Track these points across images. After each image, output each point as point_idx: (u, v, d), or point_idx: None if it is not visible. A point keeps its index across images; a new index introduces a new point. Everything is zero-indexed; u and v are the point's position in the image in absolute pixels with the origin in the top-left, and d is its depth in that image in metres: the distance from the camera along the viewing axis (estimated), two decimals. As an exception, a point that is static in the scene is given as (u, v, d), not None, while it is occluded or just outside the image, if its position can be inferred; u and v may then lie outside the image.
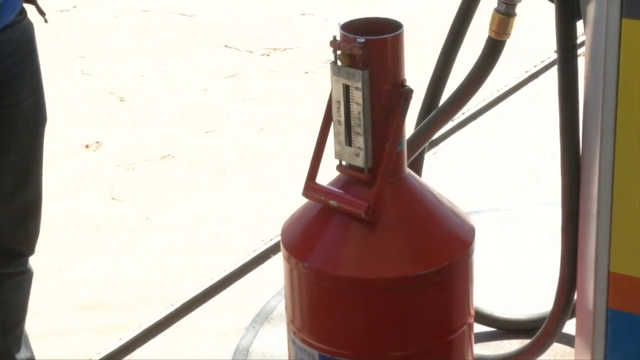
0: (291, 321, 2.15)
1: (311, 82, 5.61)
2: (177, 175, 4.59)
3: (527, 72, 5.09)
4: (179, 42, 6.26)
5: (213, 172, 4.60)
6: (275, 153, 4.77)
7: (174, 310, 3.48)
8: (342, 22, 1.99)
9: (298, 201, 3.79)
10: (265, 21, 6.54)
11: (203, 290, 3.58)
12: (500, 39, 2.31)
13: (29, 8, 2.41)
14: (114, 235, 4.00)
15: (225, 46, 6.18)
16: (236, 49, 6.14)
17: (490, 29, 2.31)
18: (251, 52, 6.09)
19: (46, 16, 2.41)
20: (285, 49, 6.12)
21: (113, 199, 4.36)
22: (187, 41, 6.27)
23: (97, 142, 4.86)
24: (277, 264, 3.64)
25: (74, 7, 6.50)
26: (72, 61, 5.58)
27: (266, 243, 3.82)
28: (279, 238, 3.73)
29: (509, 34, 2.31)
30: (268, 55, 6.05)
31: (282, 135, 4.96)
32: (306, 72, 5.77)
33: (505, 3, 2.27)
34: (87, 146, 4.82)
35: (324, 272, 2.03)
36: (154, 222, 4.16)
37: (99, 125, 5.01)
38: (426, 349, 2.08)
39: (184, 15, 6.69)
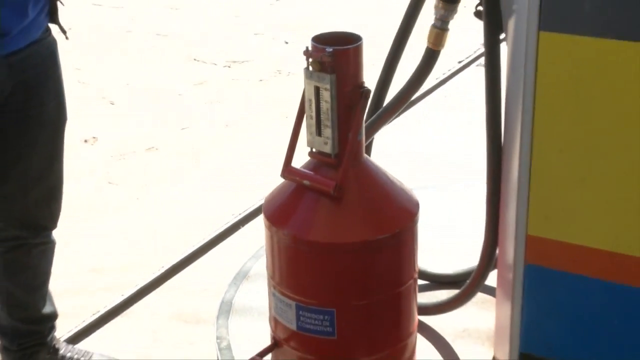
0: (272, 277, 2.14)
1: (265, 88, 5.59)
2: (161, 163, 4.56)
3: (437, 78, 5.09)
4: (156, 56, 6.21)
5: (190, 160, 4.57)
6: (239, 144, 4.75)
7: (164, 271, 3.45)
8: (313, 35, 1.97)
9: (258, 180, 3.88)
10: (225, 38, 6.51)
11: (187, 255, 3.55)
12: (436, 49, 2.32)
13: (52, 27, 2.36)
14: (111, 212, 3.97)
15: (194, 59, 6.14)
16: (203, 61, 6.10)
17: (428, 41, 2.32)
18: (215, 64, 6.05)
19: (67, 34, 2.38)
20: (242, 62, 6.09)
21: (109, 183, 4.31)
22: (163, 55, 6.22)
23: (94, 137, 4.83)
24: (248, 233, 3.66)
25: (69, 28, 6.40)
26: (70, 72, 5.52)
27: (236, 216, 3.79)
28: (247, 211, 3.78)
29: (443, 45, 2.31)
30: (229, 67, 6.01)
31: (244, 130, 4.94)
32: (260, 80, 5.74)
33: (441, 20, 2.27)
34: (85, 140, 4.79)
35: (299, 238, 2.03)
36: (143, 201, 4.13)
37: (95, 123, 4.97)
38: (381, 298, 2.09)
39: (160, 34, 6.63)
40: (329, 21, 6.72)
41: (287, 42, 6.42)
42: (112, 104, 5.32)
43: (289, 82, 5.59)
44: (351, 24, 6.49)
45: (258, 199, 3.91)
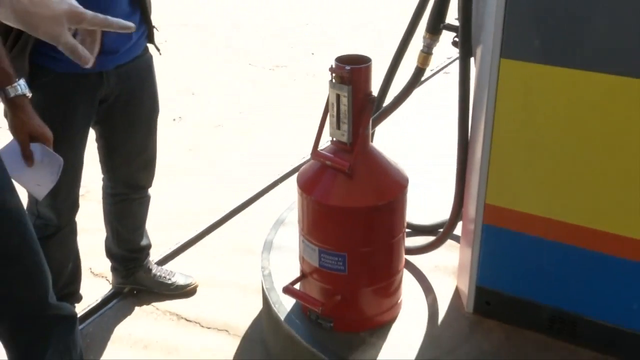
0: (302, 229, 2.04)
1: (297, 85, 5.47)
2: (226, 136, 4.45)
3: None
4: (224, 62, 6.08)
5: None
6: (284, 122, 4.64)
7: (224, 215, 3.38)
8: (336, 56, 1.86)
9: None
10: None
11: (240, 204, 3.48)
12: (423, 67, 2.20)
13: (150, 46, 2.31)
14: (186, 173, 3.88)
15: (249, 64, 6.01)
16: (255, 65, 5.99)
17: (417, 62, 2.19)
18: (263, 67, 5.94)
19: (160, 51, 2.29)
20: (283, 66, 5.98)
21: (189, 150, 4.23)
22: (229, 62, 6.08)
23: (180, 117, 4.73)
24: (281, 193, 3.58)
25: (165, 40, 6.30)
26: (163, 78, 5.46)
27: (276, 176, 3.72)
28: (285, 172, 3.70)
29: (428, 65, 2.19)
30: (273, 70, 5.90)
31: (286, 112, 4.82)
32: (294, 80, 5.62)
33: (427, 47, 2.16)
34: (174, 120, 4.69)
35: (322, 202, 1.93)
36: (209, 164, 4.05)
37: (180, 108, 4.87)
38: (380, 246, 2.00)
39: (227, 46, 6.49)
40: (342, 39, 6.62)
41: (313, 54, 6.29)
42: (193, 94, 5.20)
43: (312, 81, 5.50)
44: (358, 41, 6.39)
45: (290, 164, 3.86)
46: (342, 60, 1.85)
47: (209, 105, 4.99)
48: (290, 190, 3.60)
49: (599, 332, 1.95)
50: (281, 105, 5.00)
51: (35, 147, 1.76)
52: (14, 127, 1.74)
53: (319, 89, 5.30)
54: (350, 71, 1.80)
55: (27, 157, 1.74)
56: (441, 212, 2.54)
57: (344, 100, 1.84)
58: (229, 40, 6.68)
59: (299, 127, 4.48)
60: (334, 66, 1.84)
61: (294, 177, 3.85)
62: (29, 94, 1.76)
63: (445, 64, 5.47)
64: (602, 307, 1.93)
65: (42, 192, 1.84)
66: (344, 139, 1.90)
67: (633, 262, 1.83)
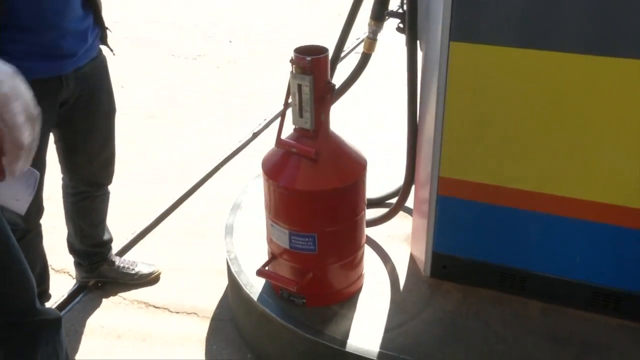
0: (269, 213, 2.01)
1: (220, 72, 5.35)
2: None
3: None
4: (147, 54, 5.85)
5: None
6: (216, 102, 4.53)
7: (177, 200, 3.30)
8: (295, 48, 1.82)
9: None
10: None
11: (193, 186, 3.41)
12: (368, 53, 2.17)
13: (103, 47, 2.20)
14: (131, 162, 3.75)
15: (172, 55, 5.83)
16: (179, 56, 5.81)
17: (364, 48, 2.17)
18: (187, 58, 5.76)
19: (113, 52, 2.18)
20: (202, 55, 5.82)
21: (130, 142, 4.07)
22: (152, 54, 5.86)
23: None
24: (223, 177, 3.51)
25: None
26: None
27: (221, 158, 3.65)
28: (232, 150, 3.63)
29: (374, 51, 2.16)
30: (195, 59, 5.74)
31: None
32: (217, 67, 5.48)
33: (372, 33, 2.13)
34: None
35: (290, 187, 1.91)
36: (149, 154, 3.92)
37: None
38: (345, 225, 2.00)
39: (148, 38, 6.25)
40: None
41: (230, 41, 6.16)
42: (122, 87, 4.98)
43: (234, 68, 5.39)
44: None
45: (228, 149, 3.78)
46: (301, 51, 1.81)
47: (140, 97, 4.81)
48: (232, 174, 3.56)
49: (546, 284, 2.03)
50: (208, 93, 4.88)
51: None
52: None
53: (240, 74, 5.22)
54: (311, 62, 1.77)
55: None
56: (385, 185, 2.57)
57: (306, 90, 1.81)
58: (147, 33, 6.43)
59: (230, 112, 4.40)
60: (294, 57, 1.80)
61: (233, 161, 3.86)
62: None
63: (355, 44, 5.46)
64: (547, 262, 2.01)
65: (22, 207, 1.72)
66: (307, 126, 1.87)
67: (573, 220, 1.91)
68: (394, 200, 2.36)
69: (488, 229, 2.03)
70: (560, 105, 1.76)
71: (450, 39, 1.78)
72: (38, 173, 1.73)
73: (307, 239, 1.95)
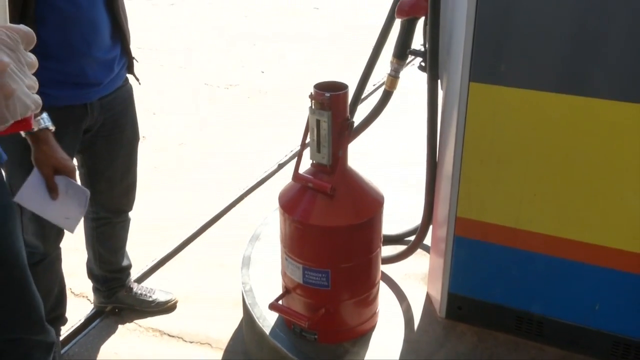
0: (284, 246, 1.97)
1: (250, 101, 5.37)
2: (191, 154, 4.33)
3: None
4: (180, 83, 5.92)
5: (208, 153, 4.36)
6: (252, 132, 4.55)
7: (198, 229, 3.27)
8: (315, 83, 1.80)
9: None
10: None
11: (213, 217, 3.39)
12: (390, 90, 2.15)
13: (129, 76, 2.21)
14: (159, 189, 3.74)
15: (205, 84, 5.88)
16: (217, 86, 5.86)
17: (385, 85, 2.15)
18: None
19: (139, 81, 2.19)
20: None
21: (155, 167, 4.08)
22: (183, 82, 5.93)
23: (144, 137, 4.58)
24: (247, 207, 3.49)
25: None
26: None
27: (243, 189, 3.63)
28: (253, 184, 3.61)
29: (395, 88, 2.14)
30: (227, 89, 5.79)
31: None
32: (248, 97, 5.51)
33: (394, 71, 2.11)
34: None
35: (305, 222, 1.87)
36: (173, 181, 3.92)
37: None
38: (360, 262, 1.94)
39: (181, 67, 6.33)
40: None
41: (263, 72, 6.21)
42: (154, 114, 5.04)
43: (265, 99, 5.41)
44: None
45: (253, 178, 3.77)
46: (320, 87, 1.79)
47: (171, 124, 4.85)
48: (255, 204, 3.53)
49: (564, 331, 1.95)
50: (238, 122, 4.89)
51: (59, 180, 1.66)
52: (38, 161, 1.64)
53: (270, 105, 5.23)
54: (330, 98, 1.75)
55: (52, 190, 1.65)
56: (404, 222, 2.52)
57: (324, 125, 1.79)
58: (184, 61, 6.52)
59: (258, 142, 4.40)
60: (313, 93, 1.78)
61: (257, 191, 3.84)
62: (52, 128, 1.66)
63: (381, 82, 5.46)
64: (566, 308, 1.93)
65: (72, 225, 1.74)
66: (324, 161, 1.84)
67: (593, 266, 1.83)
68: (411, 238, 2.31)
69: (505, 271, 1.97)
70: (582, 149, 1.71)
71: (470, 80, 1.75)
72: (88, 191, 1.74)
73: (320, 275, 1.90)
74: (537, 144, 1.76)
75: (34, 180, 1.65)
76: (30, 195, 1.62)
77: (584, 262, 1.84)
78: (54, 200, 1.67)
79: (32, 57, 0.76)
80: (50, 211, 1.68)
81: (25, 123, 0.77)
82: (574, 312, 1.92)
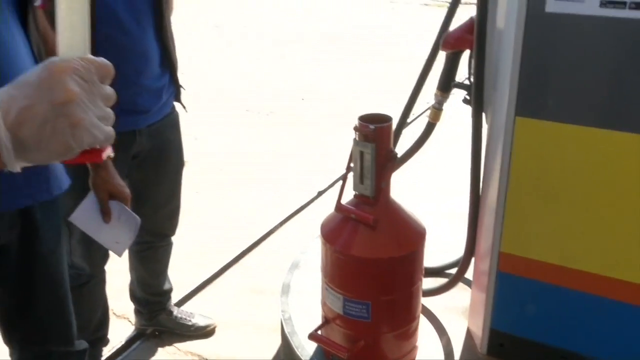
0: (325, 276, 1.96)
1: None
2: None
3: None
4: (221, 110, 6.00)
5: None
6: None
7: (238, 254, 3.29)
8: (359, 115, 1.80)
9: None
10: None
11: (253, 242, 3.40)
12: (434, 122, 2.14)
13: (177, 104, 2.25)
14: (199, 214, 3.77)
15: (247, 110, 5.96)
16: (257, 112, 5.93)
17: (429, 117, 2.14)
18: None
19: (186, 109, 2.23)
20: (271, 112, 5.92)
21: (196, 192, 4.12)
22: (225, 110, 6.01)
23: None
24: (287, 234, 3.49)
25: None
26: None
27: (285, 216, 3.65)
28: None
29: (439, 120, 2.13)
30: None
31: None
32: (292, 125, 5.56)
33: (438, 103, 2.10)
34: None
35: (347, 253, 1.85)
36: (214, 206, 3.94)
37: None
38: (401, 294, 1.92)
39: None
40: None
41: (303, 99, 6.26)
42: (196, 139, 5.09)
43: (304, 126, 5.43)
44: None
45: (294, 205, 3.77)
46: (365, 119, 1.79)
47: (212, 149, 4.92)
48: (294, 231, 3.54)
49: (610, 373, 1.88)
50: (278, 149, 4.94)
51: (113, 205, 1.71)
52: (95, 185, 1.69)
53: (309, 132, 5.27)
54: (375, 130, 1.75)
55: (106, 214, 1.70)
56: (444, 253, 2.49)
57: (368, 157, 1.78)
58: (225, 86, 6.63)
59: (298, 170, 4.42)
60: (357, 125, 1.78)
61: (296, 218, 3.84)
62: (112, 154, 1.71)
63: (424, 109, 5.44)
64: (614, 350, 1.87)
65: (121, 249, 1.79)
66: (367, 192, 1.83)
67: (642, 307, 1.77)
68: (452, 271, 2.28)
69: (550, 309, 1.91)
70: (629, 187, 1.66)
71: (516, 114, 1.73)
72: (139, 219, 1.79)
73: (361, 306, 1.88)
74: (584, 180, 1.72)
75: (89, 203, 1.70)
76: (85, 217, 1.66)
77: (631, 304, 1.78)
78: (106, 224, 1.71)
79: (109, 90, 0.76)
80: (102, 234, 1.72)
81: (94, 154, 0.76)
82: (623, 355, 1.86)
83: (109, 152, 0.78)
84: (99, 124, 0.72)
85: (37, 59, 1.45)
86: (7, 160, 0.68)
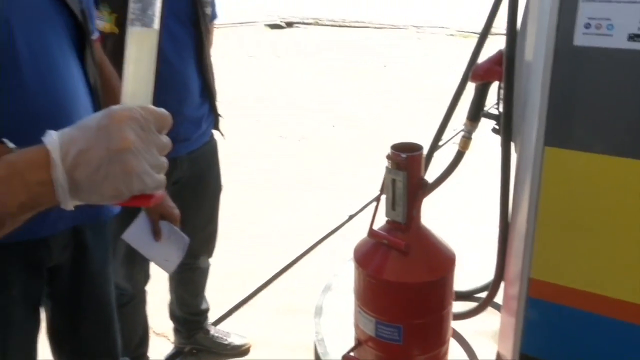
0: (358, 299, 2.01)
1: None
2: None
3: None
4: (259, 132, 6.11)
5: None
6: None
7: (273, 275, 3.35)
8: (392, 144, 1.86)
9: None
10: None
11: (287, 264, 3.46)
12: (463, 151, 2.18)
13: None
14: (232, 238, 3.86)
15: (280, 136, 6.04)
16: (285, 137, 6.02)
17: (459, 146, 2.18)
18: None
19: (224, 136, 2.32)
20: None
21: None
22: (262, 133, 6.12)
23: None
24: (319, 256, 3.54)
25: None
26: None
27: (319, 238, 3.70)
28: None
29: (468, 149, 2.18)
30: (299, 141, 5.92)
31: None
32: (319, 150, 5.62)
33: (468, 132, 2.14)
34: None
35: (379, 277, 1.90)
36: (249, 230, 4.02)
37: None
38: (432, 318, 1.96)
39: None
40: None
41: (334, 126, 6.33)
42: (231, 164, 5.20)
43: (335, 152, 5.50)
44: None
45: (326, 228, 3.83)
46: (397, 148, 1.85)
47: (247, 174, 5.01)
48: (326, 254, 3.59)
49: (641, 400, 1.88)
50: (310, 174, 5.01)
51: (164, 225, 1.80)
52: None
53: (340, 158, 5.33)
54: (407, 159, 1.81)
55: (157, 233, 1.79)
56: (474, 278, 2.51)
57: (399, 185, 1.84)
58: (260, 113, 6.74)
59: (328, 195, 4.48)
60: (390, 154, 1.84)
61: (328, 241, 3.90)
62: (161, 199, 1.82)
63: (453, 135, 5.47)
64: (643, 376, 1.87)
65: (170, 267, 1.87)
66: (399, 219, 1.89)
67: (672, 334, 1.78)
68: (482, 295, 2.30)
69: (579, 335, 1.92)
70: (659, 216, 1.68)
71: (545, 144, 1.76)
72: (187, 239, 1.87)
73: (393, 329, 1.92)
74: (613, 209, 1.74)
75: (141, 222, 1.79)
76: (137, 235, 1.75)
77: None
78: (157, 243, 1.80)
79: (165, 140, 0.78)
80: (152, 252, 1.80)
81: (143, 200, 0.78)
82: (652, 381, 1.86)
83: (157, 199, 0.79)
84: (150, 172, 0.74)
85: (94, 91, 1.53)
86: (62, 198, 0.73)
